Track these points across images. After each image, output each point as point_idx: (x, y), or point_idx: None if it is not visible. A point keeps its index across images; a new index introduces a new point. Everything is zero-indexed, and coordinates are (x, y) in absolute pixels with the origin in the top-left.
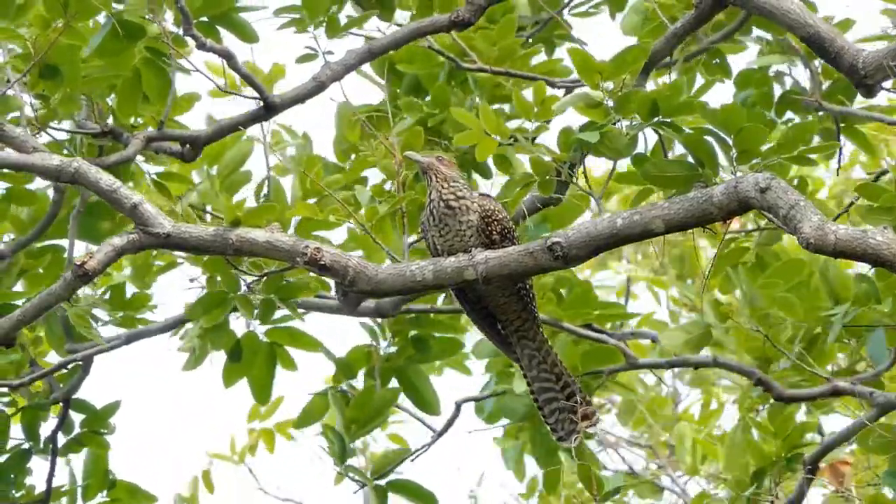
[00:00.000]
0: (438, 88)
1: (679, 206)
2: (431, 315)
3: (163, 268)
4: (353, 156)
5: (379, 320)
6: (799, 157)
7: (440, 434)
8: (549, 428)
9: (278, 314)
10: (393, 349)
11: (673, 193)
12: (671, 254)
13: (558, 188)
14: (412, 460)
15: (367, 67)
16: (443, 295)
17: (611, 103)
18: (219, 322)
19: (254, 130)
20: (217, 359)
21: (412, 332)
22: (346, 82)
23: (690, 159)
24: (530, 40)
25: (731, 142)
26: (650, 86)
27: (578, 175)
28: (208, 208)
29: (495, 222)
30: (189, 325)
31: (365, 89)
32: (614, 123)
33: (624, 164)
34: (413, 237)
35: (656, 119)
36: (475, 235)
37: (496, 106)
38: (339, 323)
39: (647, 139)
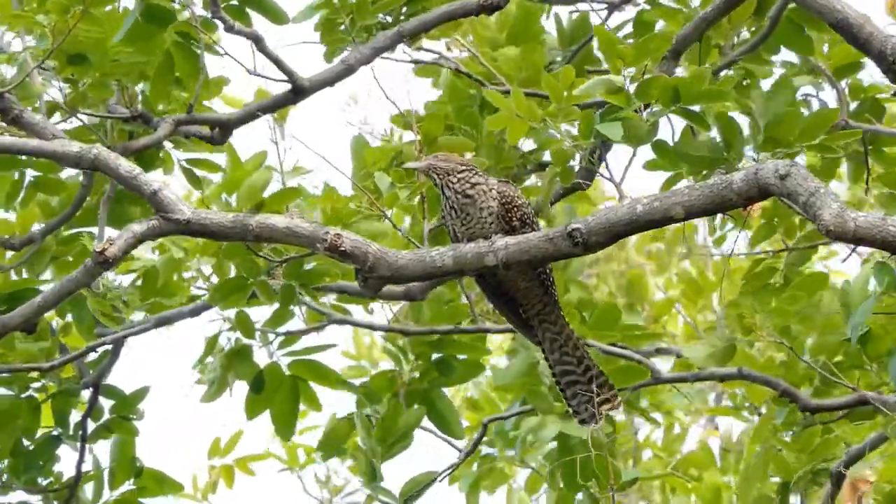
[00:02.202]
0: (469, 115)
1: (699, 192)
2: (455, 336)
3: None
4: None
5: (401, 342)
6: (821, 145)
7: (468, 454)
8: (570, 411)
9: (300, 346)
10: (416, 373)
11: (698, 178)
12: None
13: (585, 175)
14: (440, 481)
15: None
16: (467, 318)
17: (632, 89)
18: (241, 351)
19: (272, 158)
20: (238, 386)
21: (435, 355)
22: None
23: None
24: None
25: (761, 125)
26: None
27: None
28: None
29: (515, 208)
30: (210, 359)
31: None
32: (637, 110)
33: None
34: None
35: (677, 105)
36: (496, 222)
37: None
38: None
39: (673, 128)
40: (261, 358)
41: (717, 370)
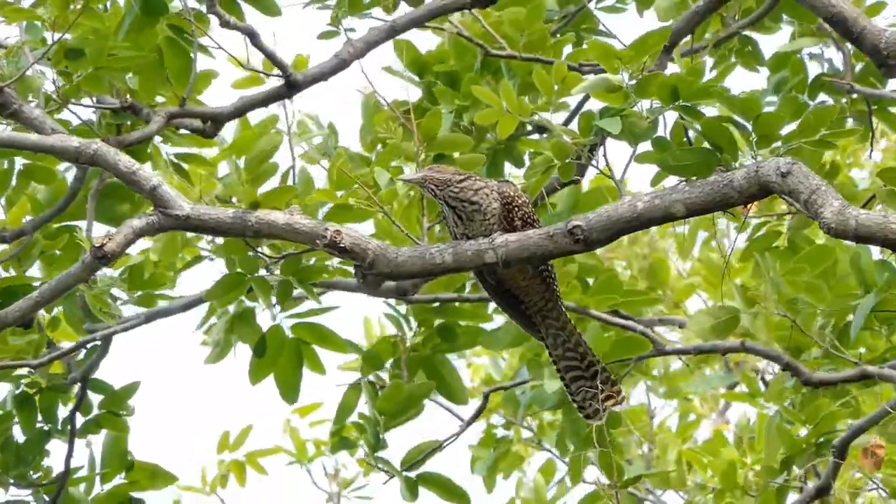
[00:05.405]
0: (470, 80)
1: (700, 190)
2: (457, 303)
3: (188, 263)
4: (379, 146)
5: (403, 309)
6: (821, 141)
7: (469, 423)
8: (575, 406)
9: (304, 308)
10: (418, 339)
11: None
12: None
13: (578, 170)
14: (441, 450)
15: (399, 68)
16: (469, 281)
17: (631, 84)
18: (244, 314)
19: (279, 122)
20: (241, 351)
21: (437, 321)
22: (371, 66)
23: (708, 145)
24: (559, 35)
25: (750, 128)
26: (674, 68)
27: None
28: (233, 200)
29: (516, 208)
30: (213, 320)
31: (392, 83)
32: (633, 106)
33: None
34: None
35: (676, 103)
36: (497, 223)
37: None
38: (360, 304)
39: (667, 121)
40: (264, 322)
41: (719, 343)
